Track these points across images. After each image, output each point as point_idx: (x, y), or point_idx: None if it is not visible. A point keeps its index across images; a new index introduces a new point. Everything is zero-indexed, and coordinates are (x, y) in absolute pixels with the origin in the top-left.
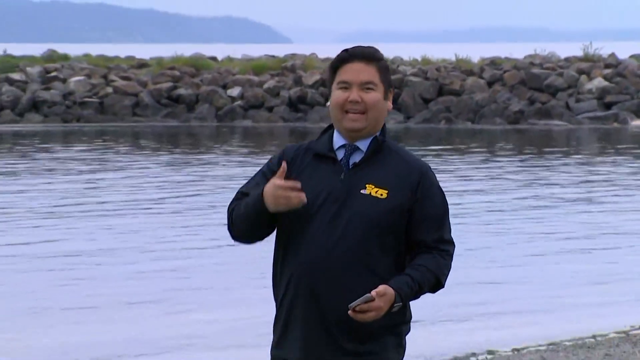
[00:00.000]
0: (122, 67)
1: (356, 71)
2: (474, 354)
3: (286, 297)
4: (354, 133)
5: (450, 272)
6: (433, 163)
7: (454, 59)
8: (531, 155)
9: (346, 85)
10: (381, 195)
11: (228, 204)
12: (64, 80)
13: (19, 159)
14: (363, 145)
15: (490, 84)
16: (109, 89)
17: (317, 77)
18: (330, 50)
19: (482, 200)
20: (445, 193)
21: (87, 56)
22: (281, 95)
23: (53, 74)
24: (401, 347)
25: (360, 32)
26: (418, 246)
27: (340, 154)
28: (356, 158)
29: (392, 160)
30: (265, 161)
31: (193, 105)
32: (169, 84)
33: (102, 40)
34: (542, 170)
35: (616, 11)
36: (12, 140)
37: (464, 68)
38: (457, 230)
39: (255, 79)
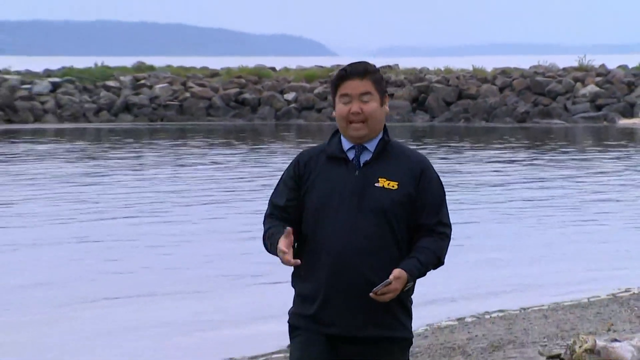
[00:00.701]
0: (197, 76)
1: (354, 86)
2: (487, 312)
3: (315, 279)
4: (358, 139)
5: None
6: (452, 154)
7: (471, 69)
8: (535, 148)
9: (347, 98)
10: (393, 187)
11: (265, 210)
12: (151, 87)
13: (122, 153)
14: (370, 145)
15: (501, 89)
16: (187, 94)
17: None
18: (371, 61)
19: (492, 180)
20: (443, 183)
21: (169, 67)
22: (328, 99)
23: (141, 81)
24: (410, 316)
25: (393, 47)
26: (420, 229)
27: (350, 155)
28: (366, 157)
29: (397, 156)
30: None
31: (256, 107)
32: (236, 90)
33: (182, 53)
34: (544, 158)
35: (606, 29)
36: (109, 136)
37: (479, 76)
38: (472, 204)
39: (307, 85)
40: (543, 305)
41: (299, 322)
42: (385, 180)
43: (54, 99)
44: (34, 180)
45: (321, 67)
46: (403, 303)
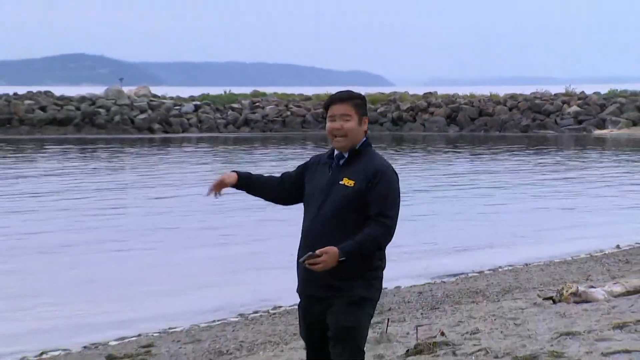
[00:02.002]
0: (295, 100)
1: (338, 108)
2: (500, 266)
3: (299, 248)
4: (340, 149)
5: (392, 237)
6: (478, 154)
7: (489, 94)
8: (534, 149)
9: (333, 118)
10: (350, 184)
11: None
12: (263, 107)
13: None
14: (347, 154)
15: (510, 109)
16: (288, 112)
17: (408, 105)
18: (417, 90)
19: (503, 170)
20: (398, 187)
21: (275, 94)
22: (387, 115)
23: (256, 104)
24: (372, 287)
25: (435, 78)
26: (368, 218)
27: (334, 160)
28: (342, 161)
29: (363, 161)
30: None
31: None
32: (322, 110)
33: (285, 84)
34: (541, 155)
35: (584, 67)
36: (235, 142)
37: (494, 100)
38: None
39: (372, 106)
40: (540, 262)
41: (298, 290)
42: (347, 179)
43: (196, 116)
44: (197, 173)
45: (382, 93)
46: (351, 275)
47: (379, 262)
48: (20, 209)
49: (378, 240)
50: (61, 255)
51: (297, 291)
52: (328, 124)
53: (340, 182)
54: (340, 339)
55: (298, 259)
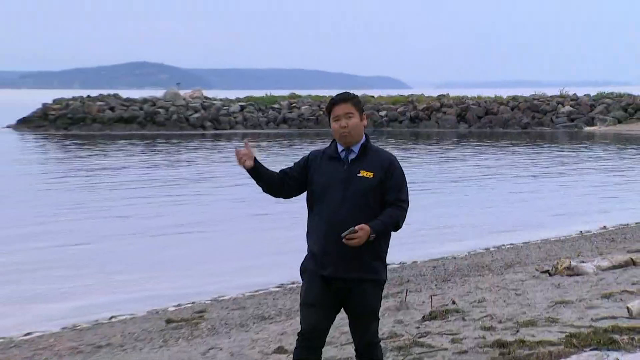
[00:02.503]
0: (326, 101)
1: (341, 108)
2: (503, 244)
3: (317, 239)
4: (346, 145)
5: (406, 218)
6: (483, 146)
7: (493, 96)
8: (533, 143)
9: (337, 118)
10: (369, 176)
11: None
12: (299, 108)
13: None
14: (355, 148)
15: (512, 109)
16: (320, 112)
17: (424, 105)
18: (432, 92)
19: (506, 163)
20: (405, 172)
21: (309, 96)
22: (406, 114)
23: (293, 104)
24: (384, 266)
25: (447, 82)
26: (386, 203)
27: (342, 155)
28: (352, 156)
29: (373, 155)
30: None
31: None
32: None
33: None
34: (538, 148)
35: (576, 72)
36: (274, 137)
37: (498, 101)
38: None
39: (393, 106)
40: (537, 241)
41: (307, 266)
42: (364, 171)
43: (242, 115)
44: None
45: (401, 95)
46: (377, 255)
47: (387, 247)
48: (103, 197)
49: (398, 220)
50: (139, 237)
51: (313, 273)
52: (333, 124)
53: (358, 175)
54: (367, 316)
55: (329, 246)
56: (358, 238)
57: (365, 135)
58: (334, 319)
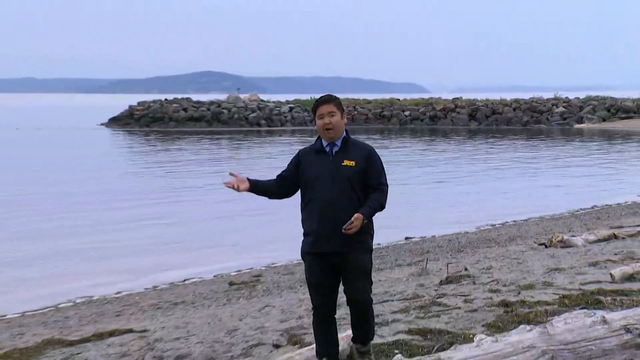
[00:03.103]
0: (360, 103)
1: (324, 108)
2: (506, 222)
3: (312, 221)
4: (330, 140)
5: (387, 199)
6: (489, 141)
7: (499, 98)
8: (532, 137)
9: (322, 116)
10: (352, 164)
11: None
12: None
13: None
14: (338, 142)
15: (514, 109)
16: (355, 112)
17: (441, 106)
18: (448, 95)
19: (510, 156)
20: (382, 160)
21: (347, 98)
22: (426, 114)
23: None
24: (371, 238)
25: (462, 87)
26: (370, 187)
27: (327, 149)
28: (335, 149)
29: (353, 147)
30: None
31: (390, 118)
32: (380, 110)
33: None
34: (536, 141)
35: (567, 77)
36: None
37: (503, 103)
38: (501, 157)
39: (415, 107)
40: (536, 219)
41: (305, 249)
42: (347, 161)
43: (290, 115)
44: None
45: (422, 98)
46: (365, 231)
47: (373, 224)
48: (182, 183)
49: (382, 202)
50: (216, 219)
51: (310, 251)
52: (318, 122)
53: (342, 164)
54: (361, 276)
55: (324, 229)
56: (355, 227)
57: (346, 131)
58: (338, 288)
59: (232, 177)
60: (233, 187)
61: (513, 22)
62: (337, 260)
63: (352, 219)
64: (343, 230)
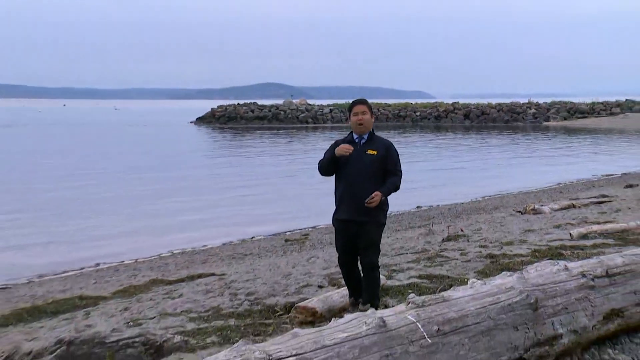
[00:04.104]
0: (382, 106)
1: (359, 108)
2: (491, 195)
3: (340, 195)
4: (360, 133)
5: (401, 181)
6: (479, 134)
7: (486, 103)
8: (511, 131)
9: (356, 114)
10: (374, 153)
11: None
12: None
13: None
14: (365, 136)
15: (498, 111)
16: (379, 113)
17: (443, 108)
18: (449, 100)
19: (492, 143)
20: (399, 151)
21: (373, 102)
22: (432, 114)
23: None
24: (385, 215)
25: (458, 94)
26: (388, 172)
27: (357, 140)
28: (362, 141)
29: (377, 140)
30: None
31: (404, 117)
32: (397, 111)
33: (377, 97)
34: (513, 134)
35: (540, 85)
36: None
37: (490, 106)
38: (488, 146)
39: (423, 109)
40: (514, 193)
41: (335, 216)
42: (370, 150)
43: (330, 115)
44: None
45: (429, 102)
46: (380, 207)
47: (387, 206)
48: (259, 166)
49: (397, 184)
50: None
51: (338, 219)
52: (353, 118)
53: (367, 153)
54: (371, 246)
55: (350, 203)
56: (375, 201)
57: (372, 127)
58: (357, 251)
59: (344, 150)
60: (346, 151)
61: (497, 43)
62: (356, 228)
63: (372, 195)
64: (365, 204)
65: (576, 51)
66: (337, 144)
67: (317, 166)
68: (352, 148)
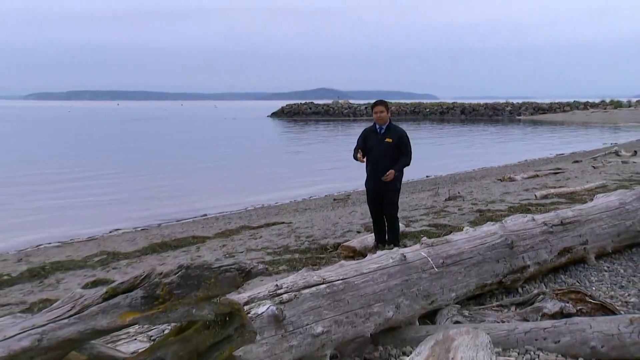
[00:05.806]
0: (400, 105)
1: (379, 107)
2: (474, 169)
3: (369, 170)
4: (381, 124)
5: (411, 161)
6: (469, 126)
7: (476, 102)
8: (494, 124)
9: (377, 112)
10: (390, 141)
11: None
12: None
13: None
14: (384, 126)
15: (485, 108)
16: (399, 109)
17: (446, 106)
18: (450, 100)
19: (479, 133)
20: (410, 138)
21: (397, 102)
22: (437, 110)
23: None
24: (400, 182)
25: (457, 95)
26: (401, 153)
27: (378, 130)
28: (382, 130)
29: (393, 130)
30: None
31: (418, 113)
32: (413, 108)
33: (394, 98)
34: (496, 125)
35: (516, 89)
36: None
37: (479, 105)
38: (475, 133)
39: (432, 107)
40: (495, 166)
41: (365, 185)
42: (388, 138)
43: (366, 111)
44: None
45: (435, 102)
46: (397, 179)
47: (402, 175)
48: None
49: (408, 162)
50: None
51: (367, 187)
52: (374, 115)
53: (386, 140)
54: (390, 204)
55: (373, 177)
56: (389, 177)
57: (390, 119)
58: (382, 208)
59: (359, 159)
60: (362, 160)
61: (486, 52)
62: (379, 193)
63: (387, 173)
64: (382, 179)
65: (540, 60)
66: (365, 130)
67: (352, 153)
68: (365, 159)
